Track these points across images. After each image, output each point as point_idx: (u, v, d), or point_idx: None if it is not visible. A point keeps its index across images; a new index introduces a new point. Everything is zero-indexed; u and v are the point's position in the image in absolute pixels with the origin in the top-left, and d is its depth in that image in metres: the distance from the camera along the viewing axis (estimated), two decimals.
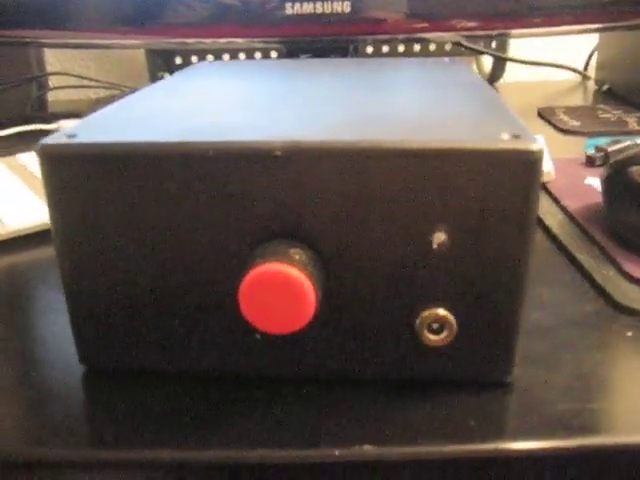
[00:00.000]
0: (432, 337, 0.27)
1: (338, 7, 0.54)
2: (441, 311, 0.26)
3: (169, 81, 0.40)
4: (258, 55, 0.83)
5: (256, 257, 0.25)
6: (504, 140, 0.25)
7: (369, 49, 0.84)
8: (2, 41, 0.57)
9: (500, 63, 0.89)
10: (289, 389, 0.28)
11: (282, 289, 0.24)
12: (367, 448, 0.25)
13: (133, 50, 0.92)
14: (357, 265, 0.26)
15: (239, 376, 0.29)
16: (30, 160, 0.53)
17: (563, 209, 0.45)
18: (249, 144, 0.25)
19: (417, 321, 0.27)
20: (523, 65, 0.89)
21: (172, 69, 0.83)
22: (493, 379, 0.28)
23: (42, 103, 0.82)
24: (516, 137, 0.25)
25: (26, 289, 0.38)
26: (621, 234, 0.39)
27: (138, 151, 0.26)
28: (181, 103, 0.33)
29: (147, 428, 0.26)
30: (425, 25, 0.54)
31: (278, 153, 0.25)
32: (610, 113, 0.71)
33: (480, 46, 0.84)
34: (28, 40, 0.57)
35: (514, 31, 0.55)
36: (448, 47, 0.85)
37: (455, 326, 0.26)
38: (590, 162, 0.53)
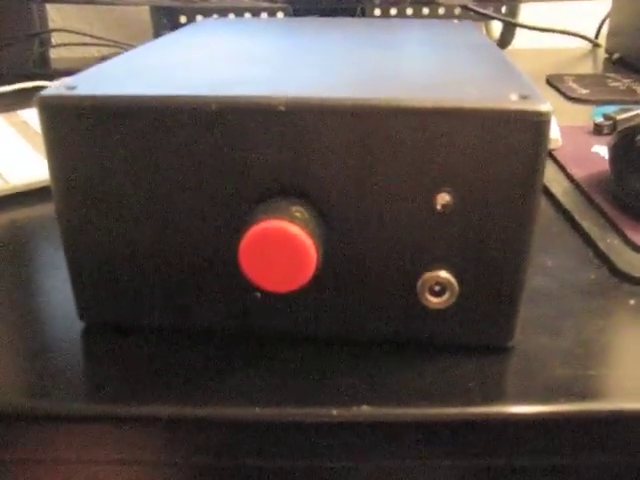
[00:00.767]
0: (433, 299, 0.27)
1: None
2: (443, 273, 0.26)
3: (173, 36, 0.39)
4: (264, 16, 0.82)
5: (258, 214, 0.24)
6: (512, 100, 0.24)
7: (377, 11, 0.82)
8: None
9: (509, 29, 0.88)
10: (288, 348, 0.28)
11: (283, 246, 0.23)
12: (365, 408, 0.25)
13: (137, 8, 0.90)
14: (359, 224, 0.26)
15: (238, 334, 0.29)
16: (31, 116, 0.53)
17: (569, 177, 0.45)
18: (253, 99, 0.25)
19: (419, 283, 0.26)
20: (533, 32, 0.87)
21: (177, 29, 0.81)
22: (494, 343, 0.28)
23: (44, 60, 0.81)
24: (525, 98, 0.24)
25: (27, 245, 0.37)
26: (627, 202, 0.39)
27: (139, 104, 0.25)
28: (184, 58, 0.32)
29: (145, 384, 0.26)
30: None
31: (282, 108, 0.24)
32: (620, 82, 0.70)
33: (490, 11, 0.82)
34: None
35: None
36: (457, 11, 0.84)
37: (457, 289, 0.26)
38: (598, 130, 0.53)
